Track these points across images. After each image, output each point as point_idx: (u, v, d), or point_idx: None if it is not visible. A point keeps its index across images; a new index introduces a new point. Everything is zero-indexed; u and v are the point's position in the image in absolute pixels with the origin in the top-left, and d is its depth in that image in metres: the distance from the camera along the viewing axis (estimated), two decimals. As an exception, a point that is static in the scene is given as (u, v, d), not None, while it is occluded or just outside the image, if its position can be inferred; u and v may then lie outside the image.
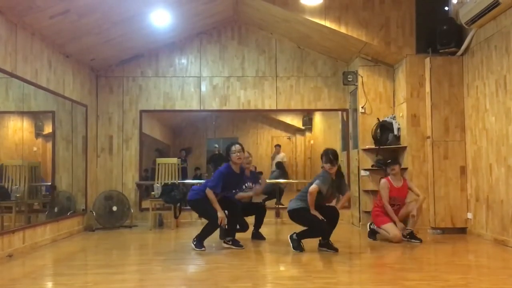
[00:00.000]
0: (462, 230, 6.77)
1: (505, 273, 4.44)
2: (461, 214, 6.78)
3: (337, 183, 5.56)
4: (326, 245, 5.40)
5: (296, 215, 5.55)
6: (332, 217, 5.47)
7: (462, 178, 6.79)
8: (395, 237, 5.96)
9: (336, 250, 5.36)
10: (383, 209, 6.15)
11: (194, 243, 5.66)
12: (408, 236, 6.09)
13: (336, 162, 5.47)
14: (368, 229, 6.41)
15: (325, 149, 5.57)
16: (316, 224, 5.36)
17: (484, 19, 6.02)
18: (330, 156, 5.45)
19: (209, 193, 5.62)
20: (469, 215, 6.70)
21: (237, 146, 5.77)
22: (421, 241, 5.99)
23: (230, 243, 5.72)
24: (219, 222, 5.57)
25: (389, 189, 6.16)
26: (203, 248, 5.58)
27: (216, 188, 5.62)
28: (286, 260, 5.31)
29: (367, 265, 4.83)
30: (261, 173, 6.87)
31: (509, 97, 5.67)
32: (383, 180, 6.27)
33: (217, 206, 5.60)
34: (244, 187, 6.50)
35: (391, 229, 6.02)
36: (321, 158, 5.54)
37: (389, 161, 6.41)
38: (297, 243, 5.47)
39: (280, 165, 10.78)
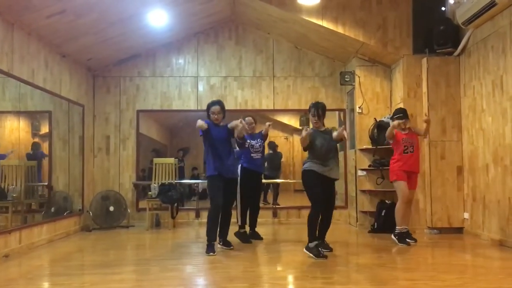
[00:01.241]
0: (459, 230, 6.78)
1: (502, 272, 4.45)
2: (458, 214, 6.79)
3: (328, 133, 5.35)
4: (321, 246, 5.31)
5: (302, 178, 5.36)
6: (326, 213, 5.28)
7: (459, 178, 6.81)
8: (403, 196, 5.88)
9: (331, 249, 5.31)
10: (395, 163, 6.02)
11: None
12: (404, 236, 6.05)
13: (322, 118, 5.36)
14: (395, 236, 5.95)
15: (316, 101, 5.48)
16: (313, 195, 5.19)
17: (481, 20, 6.03)
18: (319, 110, 5.32)
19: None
20: (466, 215, 6.72)
21: (217, 107, 5.64)
22: (415, 241, 5.97)
23: (221, 243, 5.67)
24: (197, 125, 5.34)
25: (398, 134, 6.06)
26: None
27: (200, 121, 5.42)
28: (283, 260, 5.31)
29: (364, 265, 4.83)
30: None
31: (505, 98, 5.69)
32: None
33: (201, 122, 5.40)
34: (248, 141, 6.25)
35: (400, 187, 5.94)
36: (309, 110, 5.41)
37: (401, 114, 6.13)
38: (315, 250, 5.09)
39: (272, 144, 10.61)
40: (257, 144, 6.44)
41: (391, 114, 6.56)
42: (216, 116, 5.63)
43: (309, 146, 5.25)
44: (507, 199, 5.64)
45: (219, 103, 5.73)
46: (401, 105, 7.21)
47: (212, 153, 5.57)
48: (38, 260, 5.42)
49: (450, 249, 5.82)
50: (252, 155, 6.38)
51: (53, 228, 6.74)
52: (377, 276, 4.34)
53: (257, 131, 6.66)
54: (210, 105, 5.70)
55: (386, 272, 4.48)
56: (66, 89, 7.29)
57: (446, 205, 6.80)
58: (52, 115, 7.03)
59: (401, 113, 6.17)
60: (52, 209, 6.97)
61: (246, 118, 6.48)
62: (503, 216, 5.73)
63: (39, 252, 5.82)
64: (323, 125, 5.44)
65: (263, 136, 6.51)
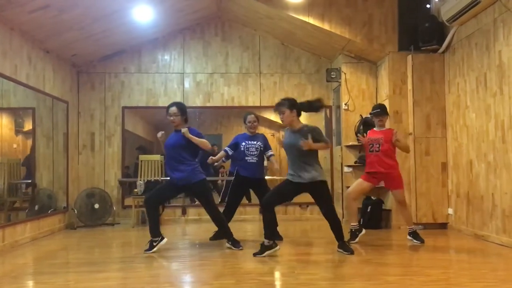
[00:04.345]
0: (443, 226, 6.86)
1: (485, 267, 4.51)
2: (442, 210, 6.86)
3: (300, 132, 5.02)
4: (342, 247, 5.14)
5: None
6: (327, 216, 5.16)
7: (443, 174, 6.88)
8: (349, 192, 5.83)
9: (352, 252, 5.07)
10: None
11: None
12: (411, 236, 5.80)
13: (281, 109, 5.05)
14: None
15: (277, 102, 5.20)
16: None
17: (465, 17, 6.09)
18: (279, 107, 5.05)
19: None
20: (450, 211, 6.79)
21: (173, 108, 5.28)
22: (423, 241, 5.71)
23: (230, 243, 5.50)
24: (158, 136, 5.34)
25: (368, 134, 5.86)
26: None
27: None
28: (269, 257, 5.31)
29: (350, 261, 4.86)
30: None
31: (489, 94, 5.75)
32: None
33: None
34: (244, 143, 6.00)
35: (354, 184, 5.86)
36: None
37: (378, 110, 5.80)
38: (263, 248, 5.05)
39: None
40: (253, 147, 5.99)
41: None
42: (172, 118, 5.28)
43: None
44: (491, 195, 5.71)
45: (176, 104, 5.39)
46: (387, 102, 7.26)
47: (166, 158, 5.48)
48: (22, 258, 5.35)
49: (434, 244, 5.87)
50: (246, 158, 5.96)
51: (37, 226, 6.66)
52: (363, 271, 4.36)
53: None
54: (168, 106, 5.38)
55: (371, 268, 4.50)
56: (50, 85, 7.20)
57: (430, 201, 6.86)
58: (35, 112, 6.94)
59: (378, 109, 5.82)
60: (36, 207, 6.89)
61: (248, 116, 6.10)
62: (487, 211, 5.80)
63: (23, 251, 5.75)
64: (298, 122, 5.17)
65: (261, 139, 6.09)
